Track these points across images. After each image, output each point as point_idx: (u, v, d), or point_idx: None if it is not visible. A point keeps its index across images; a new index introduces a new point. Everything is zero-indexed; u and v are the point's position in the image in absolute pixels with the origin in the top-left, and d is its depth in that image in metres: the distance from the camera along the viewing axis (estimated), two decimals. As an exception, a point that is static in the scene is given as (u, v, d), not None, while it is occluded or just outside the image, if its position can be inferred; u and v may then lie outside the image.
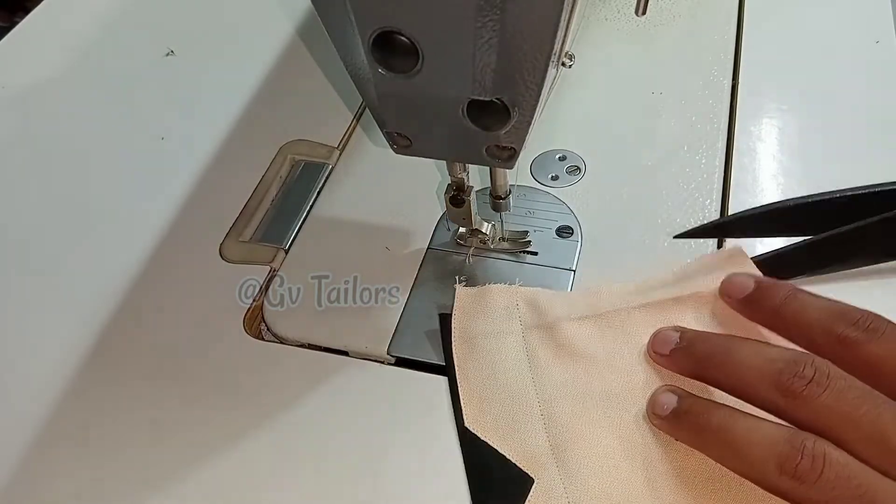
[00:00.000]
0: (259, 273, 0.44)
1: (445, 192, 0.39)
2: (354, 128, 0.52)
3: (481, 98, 0.29)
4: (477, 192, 0.40)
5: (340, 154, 0.50)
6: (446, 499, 0.34)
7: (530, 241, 0.43)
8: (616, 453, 0.34)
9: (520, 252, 0.43)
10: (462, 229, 0.43)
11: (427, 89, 0.30)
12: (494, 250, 0.43)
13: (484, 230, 0.42)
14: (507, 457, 0.34)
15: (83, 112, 0.56)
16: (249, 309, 0.42)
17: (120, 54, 0.60)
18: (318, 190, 0.48)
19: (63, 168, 0.52)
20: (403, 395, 0.38)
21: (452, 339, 0.38)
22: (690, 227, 0.42)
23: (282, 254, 0.45)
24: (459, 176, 0.38)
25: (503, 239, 0.43)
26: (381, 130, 0.34)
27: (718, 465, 0.32)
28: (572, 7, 0.28)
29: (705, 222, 0.42)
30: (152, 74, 0.57)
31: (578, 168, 0.47)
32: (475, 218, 0.41)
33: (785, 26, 0.54)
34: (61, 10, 0.64)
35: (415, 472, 0.35)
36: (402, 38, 0.27)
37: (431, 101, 0.31)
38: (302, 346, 0.41)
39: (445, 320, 0.39)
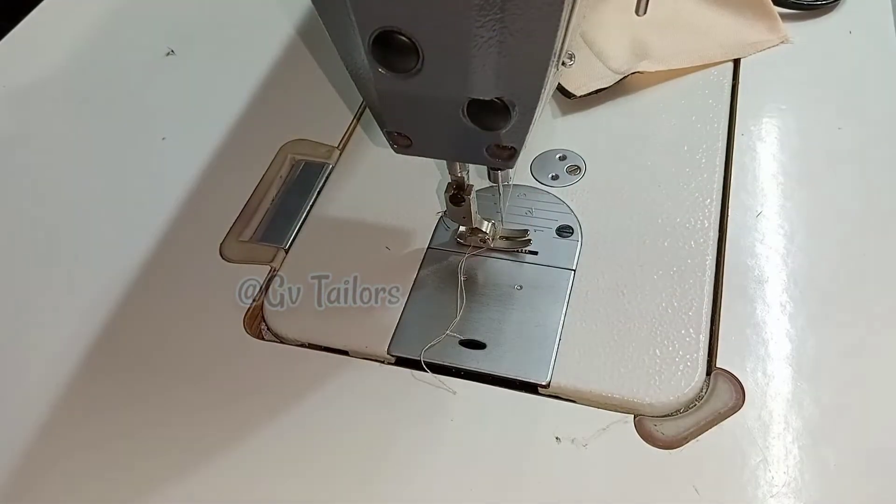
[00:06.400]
0: (259, 273, 0.44)
1: (445, 191, 0.39)
2: (354, 128, 0.52)
3: (481, 98, 0.29)
4: (477, 191, 0.40)
5: (340, 154, 0.50)
6: (446, 498, 0.34)
7: (530, 240, 0.43)
8: None
9: (520, 251, 0.43)
10: (462, 228, 0.43)
11: (427, 89, 0.30)
12: (494, 249, 0.43)
13: (484, 229, 0.42)
14: None
15: (83, 112, 0.56)
16: (249, 309, 0.42)
17: (120, 54, 0.60)
18: (318, 190, 0.48)
19: (63, 168, 0.52)
20: (403, 395, 0.38)
21: None
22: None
23: (282, 254, 0.45)
24: (459, 175, 0.38)
25: (503, 237, 0.43)
26: (381, 130, 0.34)
27: None
28: (572, 7, 0.28)
29: None
30: (152, 74, 0.57)
31: (578, 168, 0.47)
32: (475, 217, 0.41)
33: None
34: (61, 10, 0.64)
35: (415, 471, 0.35)
36: (402, 37, 0.27)
37: (431, 101, 0.30)
38: (302, 345, 0.41)
39: None
